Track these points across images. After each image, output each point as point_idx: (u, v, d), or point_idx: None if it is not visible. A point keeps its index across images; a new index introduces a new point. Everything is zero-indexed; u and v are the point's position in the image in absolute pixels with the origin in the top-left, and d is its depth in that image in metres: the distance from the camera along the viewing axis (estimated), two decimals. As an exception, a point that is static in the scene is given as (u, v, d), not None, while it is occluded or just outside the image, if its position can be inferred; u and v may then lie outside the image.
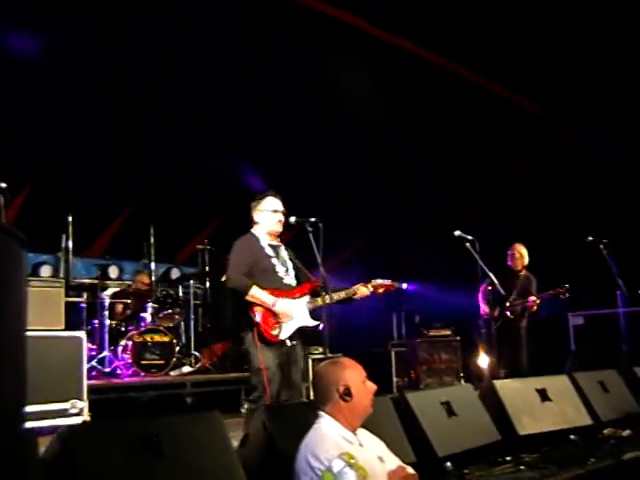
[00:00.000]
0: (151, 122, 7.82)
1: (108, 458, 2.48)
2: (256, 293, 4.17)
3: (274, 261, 4.36)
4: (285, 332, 4.19)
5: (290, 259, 4.49)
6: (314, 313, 4.34)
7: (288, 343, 4.20)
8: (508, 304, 6.70)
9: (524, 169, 10.29)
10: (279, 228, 4.44)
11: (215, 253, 8.49)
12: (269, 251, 4.38)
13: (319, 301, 4.26)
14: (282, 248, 4.51)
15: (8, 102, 6.71)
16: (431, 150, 9.25)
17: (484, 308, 6.77)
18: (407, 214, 10.06)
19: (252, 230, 4.49)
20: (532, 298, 6.67)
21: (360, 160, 9.05)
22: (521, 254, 6.99)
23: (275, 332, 4.15)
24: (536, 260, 7.11)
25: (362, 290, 4.46)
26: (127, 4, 6.48)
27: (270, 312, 4.17)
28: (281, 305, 4.19)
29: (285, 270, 4.39)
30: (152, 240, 8.34)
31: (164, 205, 8.86)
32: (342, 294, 4.39)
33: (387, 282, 4.59)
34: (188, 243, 9.75)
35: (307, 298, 4.36)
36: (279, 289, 4.29)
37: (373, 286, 4.51)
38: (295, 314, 4.25)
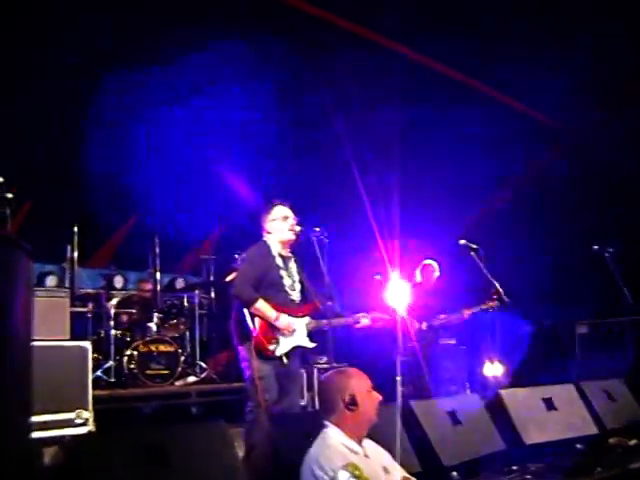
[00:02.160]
0: (151, 129, 7.85)
1: (113, 468, 2.48)
2: (260, 306, 4.16)
3: (282, 273, 4.33)
4: (282, 348, 4.18)
5: (298, 273, 4.46)
6: (312, 334, 4.36)
7: (284, 360, 4.18)
8: (443, 318, 6.63)
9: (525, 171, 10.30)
10: (292, 236, 4.40)
11: (220, 262, 8.50)
12: (279, 261, 4.35)
13: (320, 323, 4.30)
14: (292, 260, 4.46)
15: (9, 110, 6.75)
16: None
17: (418, 325, 6.62)
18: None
19: (264, 239, 4.45)
20: (468, 312, 6.57)
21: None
22: (436, 271, 6.95)
23: (272, 347, 4.14)
24: (539, 268, 7.09)
25: (364, 321, 4.49)
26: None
27: (270, 326, 4.17)
28: (283, 320, 4.19)
29: (292, 284, 4.36)
30: (157, 250, 8.34)
31: (168, 214, 8.87)
32: (342, 321, 4.44)
33: (386, 317, 4.60)
34: (192, 252, 9.76)
35: (308, 319, 4.35)
36: (283, 304, 4.27)
37: (373, 318, 4.53)
38: (295, 331, 4.25)
